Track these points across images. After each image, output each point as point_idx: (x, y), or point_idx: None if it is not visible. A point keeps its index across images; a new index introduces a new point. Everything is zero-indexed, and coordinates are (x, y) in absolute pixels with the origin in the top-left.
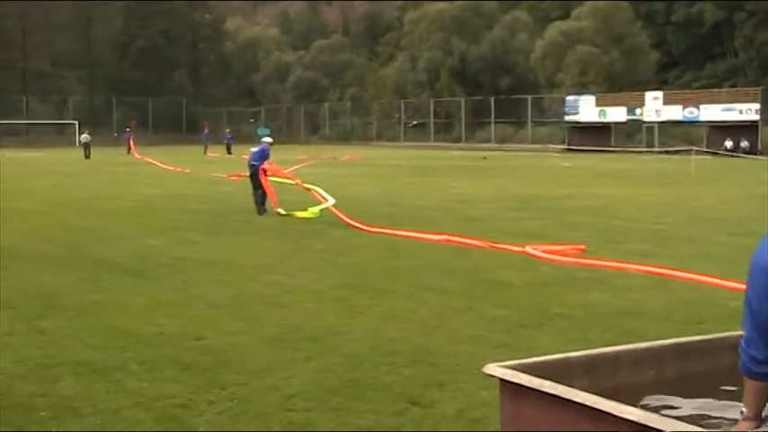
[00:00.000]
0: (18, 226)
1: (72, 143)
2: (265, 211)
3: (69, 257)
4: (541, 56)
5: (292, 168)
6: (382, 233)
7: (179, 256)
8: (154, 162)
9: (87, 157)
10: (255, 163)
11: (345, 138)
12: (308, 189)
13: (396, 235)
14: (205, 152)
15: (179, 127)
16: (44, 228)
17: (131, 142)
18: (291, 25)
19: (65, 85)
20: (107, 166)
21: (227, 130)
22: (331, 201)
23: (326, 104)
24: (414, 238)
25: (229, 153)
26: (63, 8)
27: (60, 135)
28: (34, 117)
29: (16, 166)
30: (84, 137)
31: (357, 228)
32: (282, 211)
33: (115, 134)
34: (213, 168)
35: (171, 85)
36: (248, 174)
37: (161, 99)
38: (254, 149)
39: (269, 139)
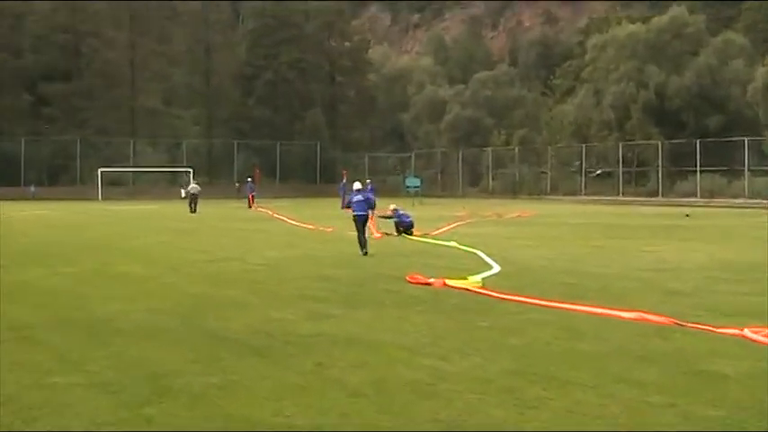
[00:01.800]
0: (123, 293)
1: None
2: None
3: (182, 331)
4: (763, 87)
5: (447, 227)
6: (560, 308)
7: (311, 332)
8: (282, 218)
9: (193, 210)
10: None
11: (513, 190)
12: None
13: (577, 311)
14: (343, 206)
15: (312, 176)
16: (153, 295)
17: (251, 199)
18: (448, 54)
19: (178, 126)
20: (227, 221)
21: (368, 181)
22: (496, 268)
23: (490, 149)
24: (599, 314)
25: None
26: (178, 36)
27: (172, 184)
28: (143, 163)
29: (121, 221)
30: (192, 186)
31: (527, 302)
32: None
33: (236, 184)
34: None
35: (303, 126)
36: (358, 218)
37: (291, 143)
38: (361, 198)
39: (358, 185)
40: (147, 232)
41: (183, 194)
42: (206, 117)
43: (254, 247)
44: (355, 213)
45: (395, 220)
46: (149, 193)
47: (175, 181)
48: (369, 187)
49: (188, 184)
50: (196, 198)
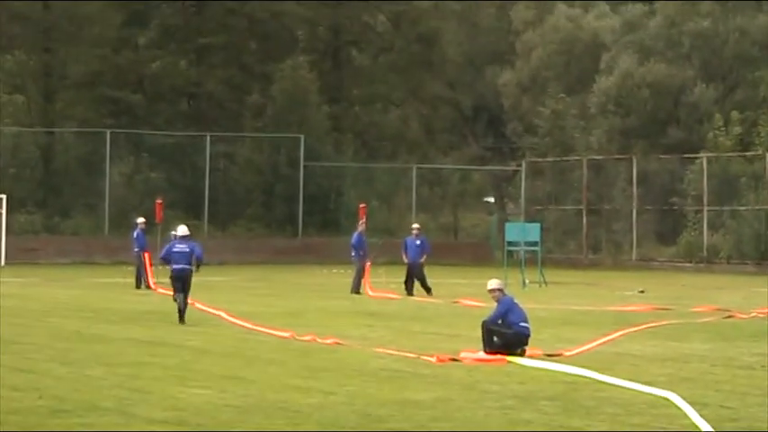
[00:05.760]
0: None
1: None
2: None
3: None
4: None
5: (603, 339)
6: None
7: None
8: (217, 312)
9: None
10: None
11: (762, 253)
12: None
13: None
14: (355, 288)
15: (286, 213)
16: None
17: (148, 262)
18: None
19: None
20: (88, 318)
21: (415, 227)
22: None
23: (704, 158)
24: None
25: (427, 288)
26: None
27: None
28: None
29: None
30: None
31: None
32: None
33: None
34: (368, 330)
35: (265, 99)
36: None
37: (240, 136)
38: (185, 248)
39: (184, 229)
40: None
41: None
42: (40, 73)
43: (152, 379)
44: (175, 268)
45: (495, 322)
46: None
47: None
48: (418, 238)
49: None
50: None
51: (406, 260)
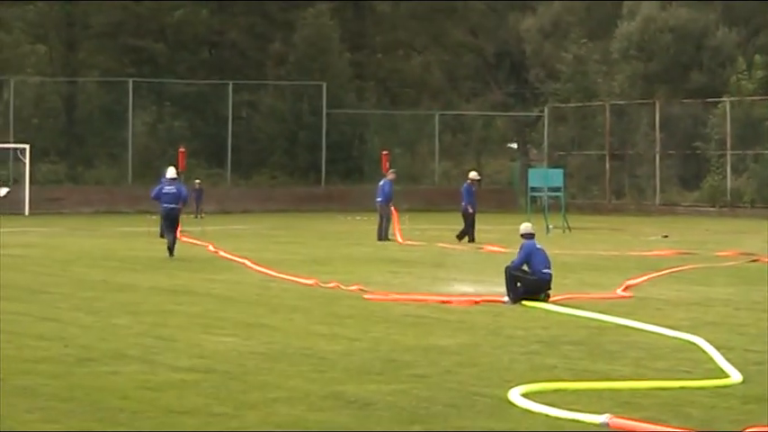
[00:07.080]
0: None
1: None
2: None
3: None
4: None
5: (628, 283)
6: None
7: None
8: (240, 260)
9: None
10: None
11: None
12: None
13: None
14: (384, 233)
15: (309, 162)
16: None
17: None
18: None
19: None
20: (114, 267)
21: (474, 176)
22: (735, 375)
23: (728, 103)
24: None
25: (469, 236)
26: None
27: None
28: None
29: None
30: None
31: None
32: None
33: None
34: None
35: (286, 47)
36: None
37: (263, 83)
38: (174, 189)
39: (172, 172)
40: None
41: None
42: (62, 22)
43: (177, 328)
44: (165, 207)
45: (518, 267)
46: None
47: None
48: (470, 186)
49: (6, 180)
50: None
51: (470, 209)
